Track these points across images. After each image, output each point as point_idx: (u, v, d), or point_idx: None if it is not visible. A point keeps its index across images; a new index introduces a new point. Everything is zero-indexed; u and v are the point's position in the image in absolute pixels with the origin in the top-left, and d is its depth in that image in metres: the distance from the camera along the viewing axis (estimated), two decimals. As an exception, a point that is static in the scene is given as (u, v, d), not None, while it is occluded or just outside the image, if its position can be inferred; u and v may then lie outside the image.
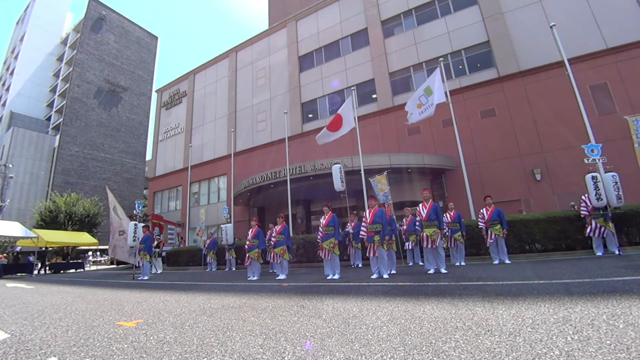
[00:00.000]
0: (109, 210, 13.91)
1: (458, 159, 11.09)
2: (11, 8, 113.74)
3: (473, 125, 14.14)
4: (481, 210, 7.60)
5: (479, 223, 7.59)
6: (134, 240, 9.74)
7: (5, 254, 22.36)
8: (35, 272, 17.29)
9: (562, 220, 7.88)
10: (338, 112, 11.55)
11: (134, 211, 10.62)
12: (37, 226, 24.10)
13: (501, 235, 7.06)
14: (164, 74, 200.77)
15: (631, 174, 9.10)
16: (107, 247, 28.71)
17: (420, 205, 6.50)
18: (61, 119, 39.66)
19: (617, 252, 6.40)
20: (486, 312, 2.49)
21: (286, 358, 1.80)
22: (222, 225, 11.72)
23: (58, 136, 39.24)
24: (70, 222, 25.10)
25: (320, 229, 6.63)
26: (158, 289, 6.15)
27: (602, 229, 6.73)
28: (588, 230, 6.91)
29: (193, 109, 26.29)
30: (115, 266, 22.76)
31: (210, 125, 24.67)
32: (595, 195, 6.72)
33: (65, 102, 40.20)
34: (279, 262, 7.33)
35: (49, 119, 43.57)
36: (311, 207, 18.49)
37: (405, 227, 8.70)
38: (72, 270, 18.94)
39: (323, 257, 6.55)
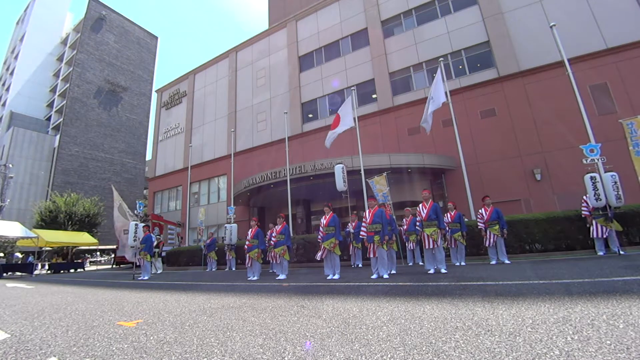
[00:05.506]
0: (113, 210, 14.06)
1: (458, 158, 11.09)
2: (11, 8, 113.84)
3: (473, 125, 14.14)
4: (480, 211, 7.61)
5: (479, 223, 7.60)
6: (135, 240, 9.76)
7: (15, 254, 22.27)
8: (37, 271, 17.28)
9: (562, 220, 7.88)
10: (338, 112, 11.57)
11: (135, 211, 10.65)
12: (37, 226, 24.09)
13: (500, 235, 7.07)
14: (164, 74, 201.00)
15: (631, 174, 9.08)
16: (106, 247, 28.71)
17: (420, 205, 6.51)
18: (61, 119, 39.66)
19: (618, 252, 6.39)
20: (486, 312, 2.49)
21: (286, 358, 1.80)
22: (226, 225, 11.64)
23: (58, 136, 39.25)
24: (70, 222, 25.09)
25: (320, 229, 6.63)
26: (158, 289, 6.15)
27: (604, 229, 6.72)
28: (593, 231, 6.87)
29: (193, 109, 26.28)
30: (113, 267, 22.70)
31: (210, 125, 24.66)
32: (594, 196, 6.73)
33: (65, 102, 40.20)
34: (279, 262, 7.33)
35: (49, 119, 43.57)
36: (311, 207, 18.48)
37: (405, 227, 8.71)
38: (72, 270, 18.95)
39: (321, 256, 6.50)
